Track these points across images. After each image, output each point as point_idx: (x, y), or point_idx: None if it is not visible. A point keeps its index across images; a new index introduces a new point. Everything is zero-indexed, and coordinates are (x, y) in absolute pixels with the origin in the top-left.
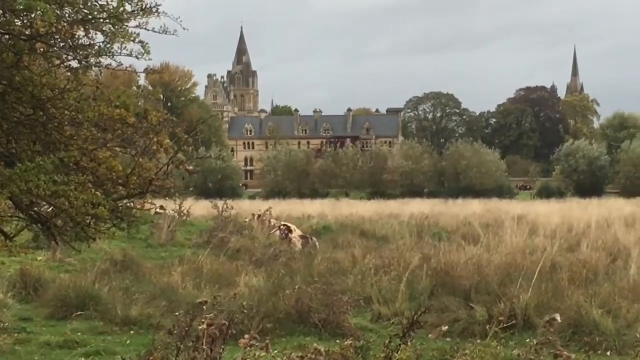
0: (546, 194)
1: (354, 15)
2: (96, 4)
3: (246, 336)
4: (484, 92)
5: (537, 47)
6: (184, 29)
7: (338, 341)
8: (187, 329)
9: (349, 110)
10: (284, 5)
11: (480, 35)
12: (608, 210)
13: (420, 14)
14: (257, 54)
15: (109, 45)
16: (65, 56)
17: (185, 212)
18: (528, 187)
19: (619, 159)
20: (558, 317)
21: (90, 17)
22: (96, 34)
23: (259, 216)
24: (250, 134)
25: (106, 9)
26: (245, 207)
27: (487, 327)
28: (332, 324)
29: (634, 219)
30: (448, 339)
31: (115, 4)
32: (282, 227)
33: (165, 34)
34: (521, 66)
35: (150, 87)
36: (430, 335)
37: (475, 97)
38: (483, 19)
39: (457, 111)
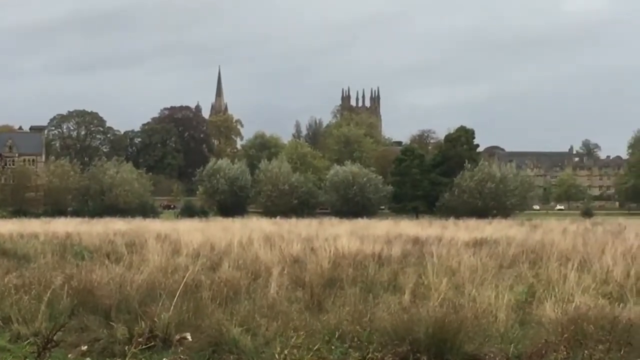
0: (189, 212)
1: (3, 32)
2: None
3: None
4: (135, 110)
5: (188, 68)
6: None
7: None
8: None
9: None
10: None
11: (133, 54)
12: (250, 229)
13: (74, 32)
14: None
15: None
16: None
17: None
18: (172, 206)
19: (259, 179)
20: (189, 336)
21: None
22: None
23: None
24: None
25: None
26: None
27: (127, 346)
28: None
29: (275, 238)
30: (88, 358)
31: None
32: None
33: None
34: (170, 85)
35: None
36: (70, 355)
37: (125, 115)
38: (137, 39)
39: (102, 129)
